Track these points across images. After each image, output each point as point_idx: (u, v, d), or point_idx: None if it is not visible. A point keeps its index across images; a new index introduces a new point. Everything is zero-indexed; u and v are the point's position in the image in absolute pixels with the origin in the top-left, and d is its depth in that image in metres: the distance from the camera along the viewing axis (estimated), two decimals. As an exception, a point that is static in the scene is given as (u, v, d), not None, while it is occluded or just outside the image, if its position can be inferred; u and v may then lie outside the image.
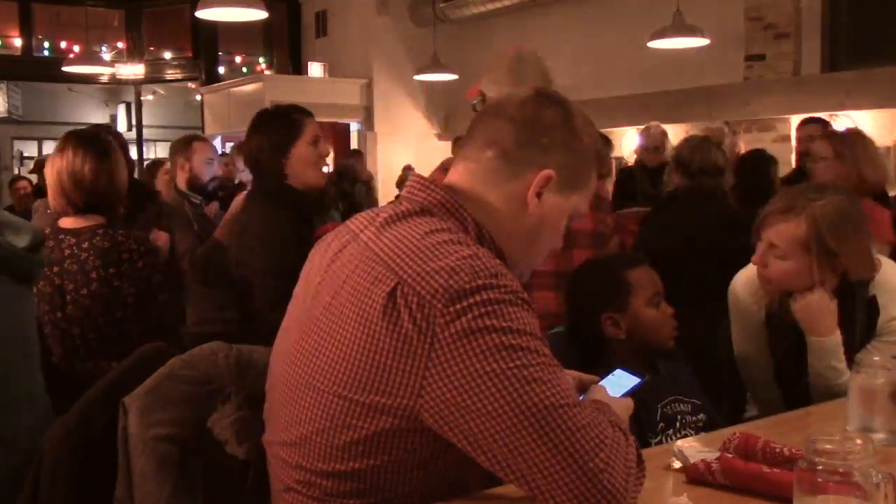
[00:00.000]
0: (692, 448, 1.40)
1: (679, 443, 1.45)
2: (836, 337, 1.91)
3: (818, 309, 1.91)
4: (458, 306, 1.06)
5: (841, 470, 1.01)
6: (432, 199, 1.23)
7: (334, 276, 1.19)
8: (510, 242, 1.26)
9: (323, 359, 1.14)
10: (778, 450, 1.34)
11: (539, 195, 1.24)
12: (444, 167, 2.39)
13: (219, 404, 1.41)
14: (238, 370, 1.44)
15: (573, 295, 2.03)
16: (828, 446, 1.02)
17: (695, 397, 1.93)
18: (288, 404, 1.20)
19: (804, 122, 4.88)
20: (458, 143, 7.30)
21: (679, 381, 1.94)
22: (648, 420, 1.81)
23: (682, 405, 1.90)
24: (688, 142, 3.58)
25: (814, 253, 1.89)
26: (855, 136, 3.44)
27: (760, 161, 4.19)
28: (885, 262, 2.06)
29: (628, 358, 1.79)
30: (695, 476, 1.32)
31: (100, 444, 1.38)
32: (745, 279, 2.14)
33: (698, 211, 3.33)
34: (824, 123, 4.72)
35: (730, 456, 1.34)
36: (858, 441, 1.03)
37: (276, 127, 2.66)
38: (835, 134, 4.08)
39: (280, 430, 1.22)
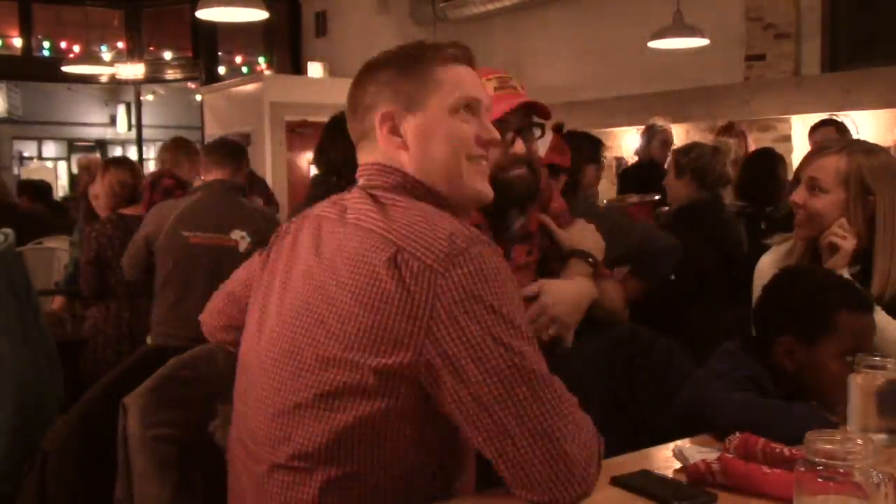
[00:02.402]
0: (692, 448, 1.40)
1: (679, 443, 1.45)
2: (842, 271, 1.88)
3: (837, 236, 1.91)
4: (458, 270, 1.12)
5: (841, 470, 1.01)
6: (393, 181, 1.29)
7: (320, 256, 1.22)
8: (443, 182, 1.31)
9: (324, 328, 1.17)
10: (778, 450, 1.34)
11: (396, 132, 1.31)
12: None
13: (218, 405, 1.41)
14: (238, 370, 1.44)
15: (770, 294, 1.76)
16: (828, 446, 1.02)
17: None
18: (277, 380, 1.20)
19: (818, 126, 4.64)
20: None
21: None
22: None
23: None
24: (701, 150, 3.62)
25: (851, 187, 1.92)
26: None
27: (766, 160, 4.19)
28: None
29: (779, 390, 1.61)
30: (695, 476, 1.32)
31: (101, 444, 1.39)
32: (770, 259, 2.14)
33: (719, 215, 3.46)
34: (839, 125, 4.56)
35: (730, 456, 1.34)
36: (858, 441, 1.03)
37: None
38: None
39: (266, 406, 1.21)
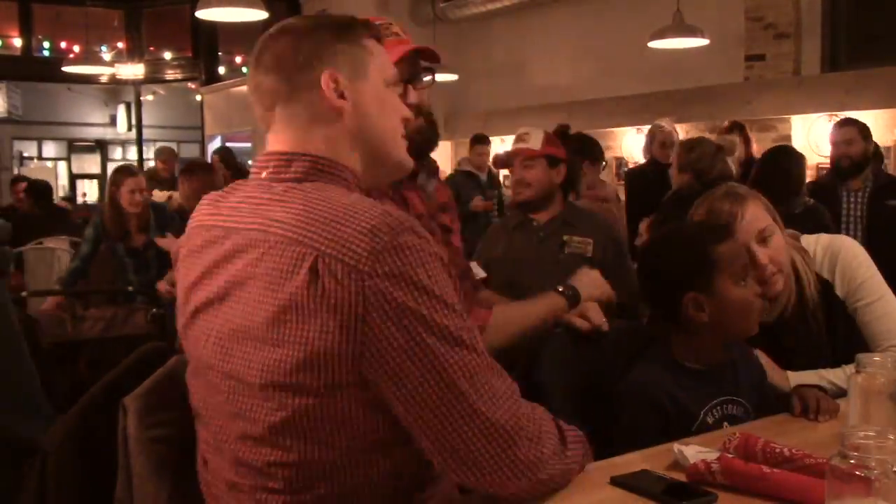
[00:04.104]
0: (692, 448, 1.40)
1: (679, 443, 1.45)
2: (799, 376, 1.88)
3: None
4: (385, 266, 1.06)
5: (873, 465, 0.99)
6: (303, 168, 1.22)
7: (229, 275, 1.15)
8: (378, 153, 1.28)
9: (263, 351, 1.10)
10: (778, 450, 1.34)
11: (341, 95, 1.24)
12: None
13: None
14: (238, 370, 1.44)
15: (649, 271, 1.83)
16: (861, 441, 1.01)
17: (747, 397, 1.74)
18: (240, 408, 1.15)
19: (841, 125, 4.52)
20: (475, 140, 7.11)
21: (740, 379, 1.76)
22: (680, 426, 1.65)
23: (734, 408, 1.72)
24: (703, 149, 3.62)
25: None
26: None
27: (780, 157, 4.11)
28: (833, 239, 2.02)
29: (708, 344, 1.72)
30: (695, 476, 1.31)
31: (101, 444, 1.38)
32: None
33: None
34: (860, 126, 4.50)
35: (730, 456, 1.33)
36: (891, 437, 1.02)
37: None
38: None
39: (231, 440, 1.18)
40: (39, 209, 6.85)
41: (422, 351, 1.06)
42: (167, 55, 11.84)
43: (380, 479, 1.15)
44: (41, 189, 7.14)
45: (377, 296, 1.05)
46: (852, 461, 1.00)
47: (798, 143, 6.26)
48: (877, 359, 1.49)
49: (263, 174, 1.23)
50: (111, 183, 4.51)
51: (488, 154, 6.91)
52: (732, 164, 3.87)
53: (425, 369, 1.07)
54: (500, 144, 7.93)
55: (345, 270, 1.05)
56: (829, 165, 4.58)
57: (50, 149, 16.24)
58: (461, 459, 1.10)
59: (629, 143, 7.80)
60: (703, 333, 1.71)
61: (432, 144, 1.83)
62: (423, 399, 1.08)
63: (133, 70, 11.32)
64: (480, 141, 6.91)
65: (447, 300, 1.09)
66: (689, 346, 1.74)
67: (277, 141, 1.26)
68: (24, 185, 7.48)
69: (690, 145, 3.72)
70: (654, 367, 1.73)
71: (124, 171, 4.53)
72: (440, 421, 1.08)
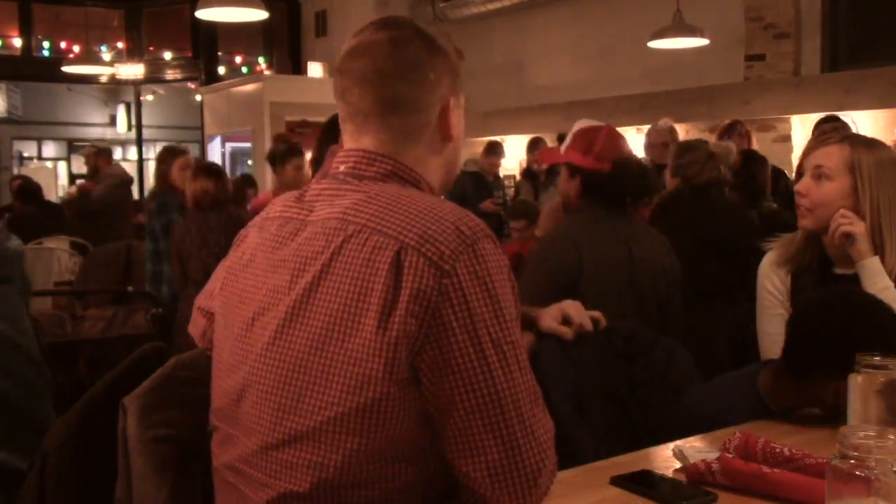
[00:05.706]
0: (692, 448, 1.40)
1: (679, 443, 1.45)
2: (876, 260, 1.91)
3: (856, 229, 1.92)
4: (464, 267, 1.07)
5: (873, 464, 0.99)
6: (384, 170, 1.21)
7: (307, 263, 1.14)
8: (448, 175, 1.31)
9: (334, 341, 1.09)
10: (778, 450, 1.34)
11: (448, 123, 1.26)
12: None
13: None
14: (238, 370, 1.43)
15: (810, 343, 1.65)
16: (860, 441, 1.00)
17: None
18: (280, 403, 1.13)
19: (823, 122, 4.65)
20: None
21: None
22: None
23: None
24: (695, 155, 3.58)
25: (857, 174, 1.95)
26: None
27: (749, 162, 4.24)
28: None
29: (787, 402, 1.67)
30: (695, 476, 1.32)
31: (101, 444, 1.39)
32: (772, 257, 2.14)
33: (704, 208, 3.40)
34: (844, 126, 4.53)
35: (730, 456, 1.33)
36: (891, 437, 1.02)
37: None
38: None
39: (269, 431, 1.14)
40: (34, 207, 6.84)
41: (478, 356, 1.07)
42: (167, 55, 11.82)
43: (400, 494, 1.13)
44: (30, 189, 7.15)
45: (452, 293, 1.07)
46: (852, 461, 1.00)
47: (798, 143, 6.27)
48: (877, 359, 1.49)
49: (342, 167, 1.23)
50: (160, 162, 4.85)
51: (500, 164, 7.26)
52: (727, 171, 3.83)
53: (475, 375, 1.07)
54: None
55: (426, 264, 1.07)
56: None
57: (50, 149, 16.22)
58: (474, 469, 1.09)
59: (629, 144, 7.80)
60: (804, 400, 1.66)
61: None
62: (463, 401, 1.07)
63: (133, 70, 11.31)
64: (496, 151, 7.19)
65: (509, 315, 1.10)
66: (777, 391, 1.67)
67: (365, 141, 1.24)
68: (17, 183, 7.45)
69: (684, 149, 3.68)
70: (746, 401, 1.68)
71: (171, 151, 4.87)
72: (470, 426, 1.08)
